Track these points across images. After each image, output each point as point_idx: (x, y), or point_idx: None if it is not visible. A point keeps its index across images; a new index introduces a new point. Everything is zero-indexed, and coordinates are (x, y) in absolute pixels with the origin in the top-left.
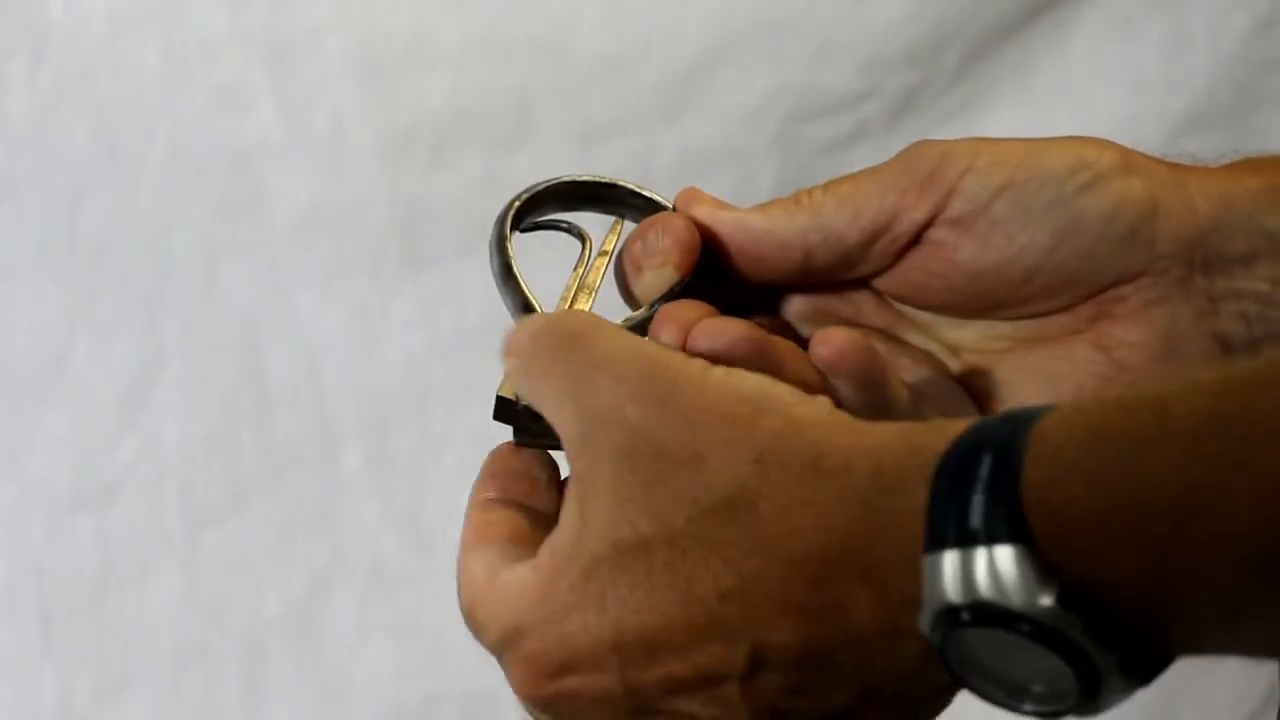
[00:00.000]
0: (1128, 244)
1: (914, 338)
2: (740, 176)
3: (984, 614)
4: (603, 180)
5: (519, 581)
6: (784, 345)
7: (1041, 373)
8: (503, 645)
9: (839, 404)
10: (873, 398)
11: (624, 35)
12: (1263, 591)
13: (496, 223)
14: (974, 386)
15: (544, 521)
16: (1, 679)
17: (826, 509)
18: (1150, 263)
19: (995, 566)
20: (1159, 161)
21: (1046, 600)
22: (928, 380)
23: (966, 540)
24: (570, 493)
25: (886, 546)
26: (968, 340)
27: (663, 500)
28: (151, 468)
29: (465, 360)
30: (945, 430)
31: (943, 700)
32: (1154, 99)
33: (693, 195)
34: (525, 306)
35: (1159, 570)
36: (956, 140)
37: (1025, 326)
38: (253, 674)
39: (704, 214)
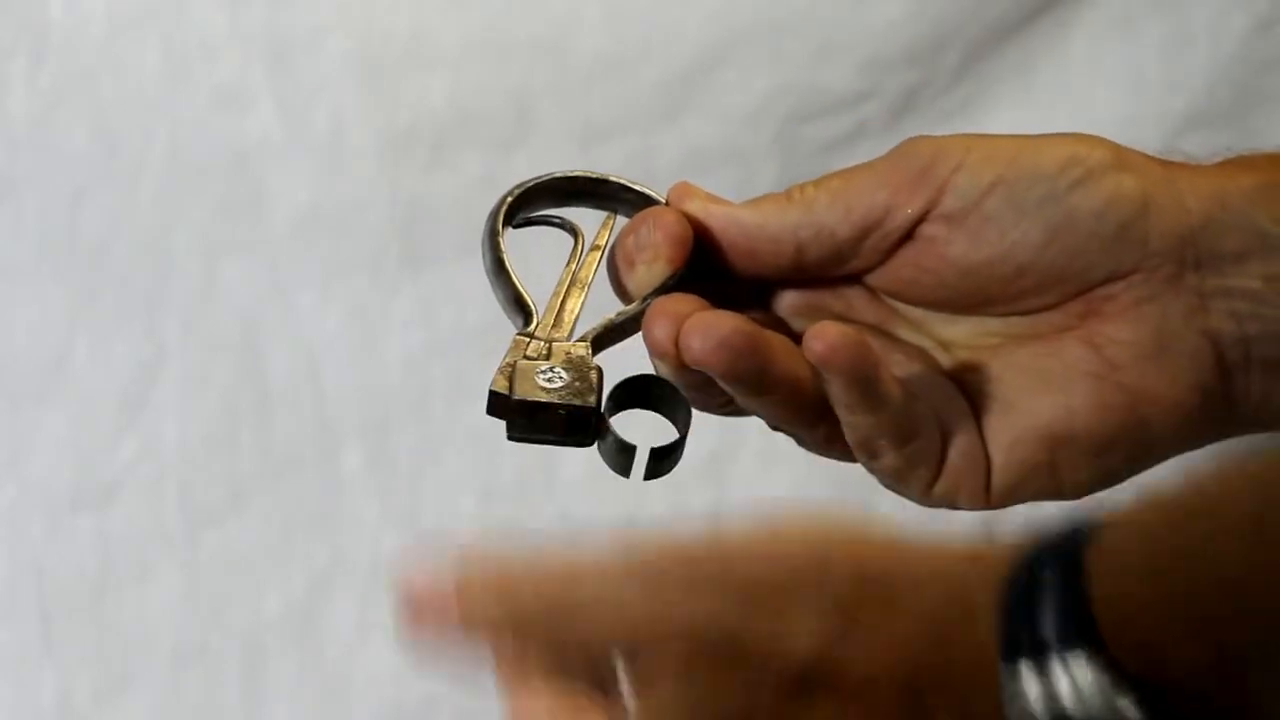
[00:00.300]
0: (1119, 241)
1: (906, 333)
2: (740, 176)
3: None
4: (594, 175)
5: None
6: (776, 339)
7: (1033, 370)
8: None
9: (831, 401)
10: (865, 393)
11: (624, 35)
12: None
13: (488, 218)
14: (966, 383)
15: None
16: (1, 679)
17: (906, 641)
18: (1142, 260)
19: (1073, 676)
20: (1151, 158)
21: (1126, 705)
22: (920, 376)
23: (1039, 650)
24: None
25: (962, 664)
26: (959, 336)
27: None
28: (151, 468)
29: (465, 360)
30: (1008, 546)
31: None
32: (1154, 99)
33: (685, 190)
34: (517, 301)
35: (1229, 663)
36: (949, 136)
37: (1016, 323)
38: (253, 674)
39: (696, 208)
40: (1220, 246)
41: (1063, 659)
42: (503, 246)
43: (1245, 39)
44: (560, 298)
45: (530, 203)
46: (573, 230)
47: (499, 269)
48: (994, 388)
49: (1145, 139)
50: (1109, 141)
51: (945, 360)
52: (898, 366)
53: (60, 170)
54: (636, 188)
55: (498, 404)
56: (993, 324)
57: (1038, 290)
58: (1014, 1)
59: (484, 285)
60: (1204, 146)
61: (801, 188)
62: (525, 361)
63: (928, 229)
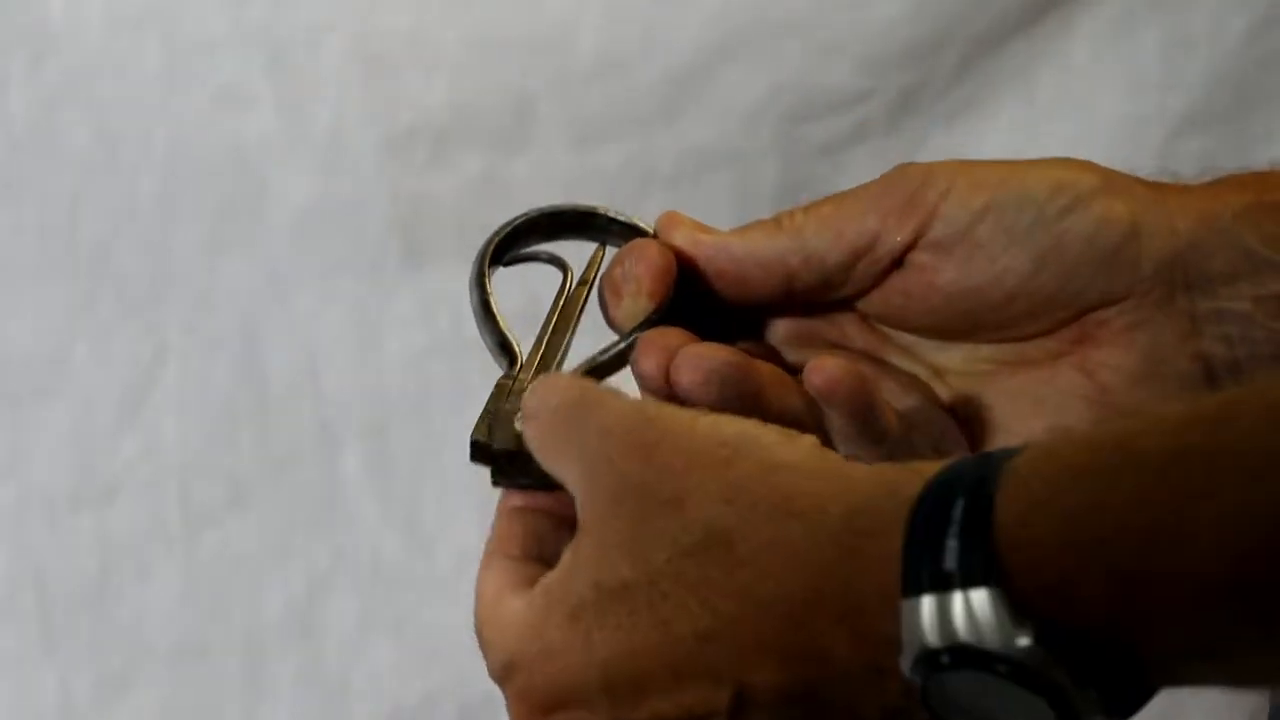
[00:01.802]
0: (1110, 265)
1: (899, 361)
2: (740, 176)
3: (963, 657)
4: (581, 209)
5: (516, 613)
6: (766, 370)
7: (1026, 396)
8: (500, 673)
9: (829, 433)
10: (864, 426)
11: (624, 35)
12: (1232, 621)
13: (475, 260)
14: (960, 411)
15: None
16: (1, 679)
17: (800, 551)
18: (1134, 284)
19: (971, 610)
20: (1138, 181)
21: (1024, 641)
22: (916, 407)
23: (942, 584)
24: (574, 539)
25: (863, 589)
26: (952, 363)
27: (644, 543)
28: (151, 468)
29: (465, 360)
30: (921, 472)
31: None
32: (1154, 99)
33: (672, 220)
34: (502, 345)
35: (1128, 603)
36: (937, 163)
37: (1009, 350)
38: (253, 674)
39: (683, 238)
40: (1209, 268)
41: (965, 593)
42: (489, 288)
43: (1245, 39)
44: (545, 337)
45: (518, 241)
46: (561, 265)
47: (485, 312)
48: (989, 415)
49: (1145, 139)
50: (1097, 165)
51: (939, 388)
52: (893, 397)
53: (60, 170)
54: (623, 219)
55: (479, 452)
56: (984, 350)
57: (1029, 316)
58: (1014, 1)
59: None
60: (1204, 146)
61: (790, 214)
62: (506, 407)
63: (918, 256)
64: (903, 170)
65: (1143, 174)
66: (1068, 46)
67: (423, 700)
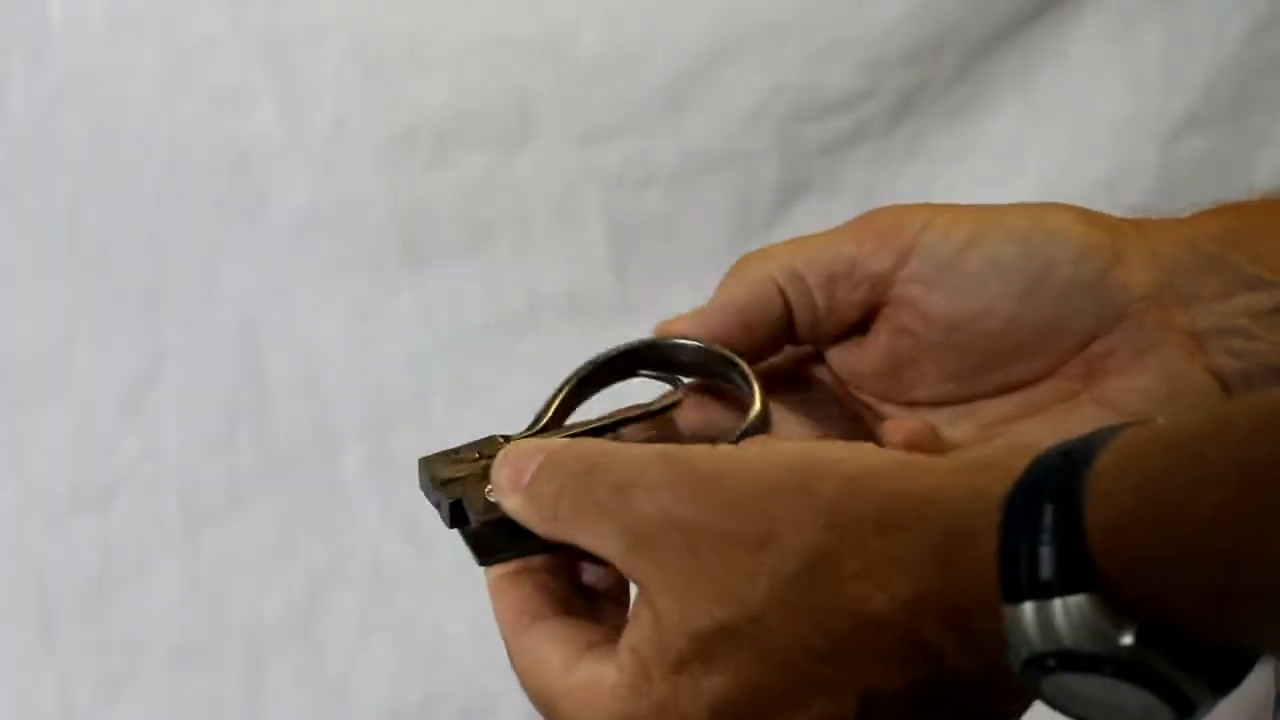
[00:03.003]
0: (1099, 289)
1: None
2: (740, 176)
3: (1069, 660)
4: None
5: (607, 677)
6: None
7: (1052, 435)
8: None
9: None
10: None
11: (624, 35)
12: None
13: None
14: None
15: (575, 588)
16: (1, 679)
17: (905, 561)
18: (1128, 305)
19: (1072, 615)
20: (1114, 217)
21: (1126, 640)
22: None
23: (1042, 592)
24: (638, 600)
25: (966, 592)
26: (965, 435)
27: (736, 583)
28: (151, 468)
29: (465, 360)
30: (1003, 469)
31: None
32: (1154, 99)
33: (667, 325)
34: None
35: (1220, 613)
36: (911, 204)
37: (1019, 402)
38: (253, 674)
39: (686, 324)
40: (1200, 288)
41: (1064, 600)
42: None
43: (1245, 39)
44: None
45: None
46: (675, 383)
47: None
48: None
49: (1145, 139)
50: (1072, 205)
51: None
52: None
53: (60, 170)
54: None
55: (461, 520)
56: (995, 409)
57: (1031, 351)
58: (1014, 1)
59: (485, 285)
60: (1204, 146)
61: (764, 248)
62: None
63: (906, 290)
64: (876, 210)
65: (1143, 174)
66: (1067, 46)
67: (423, 700)
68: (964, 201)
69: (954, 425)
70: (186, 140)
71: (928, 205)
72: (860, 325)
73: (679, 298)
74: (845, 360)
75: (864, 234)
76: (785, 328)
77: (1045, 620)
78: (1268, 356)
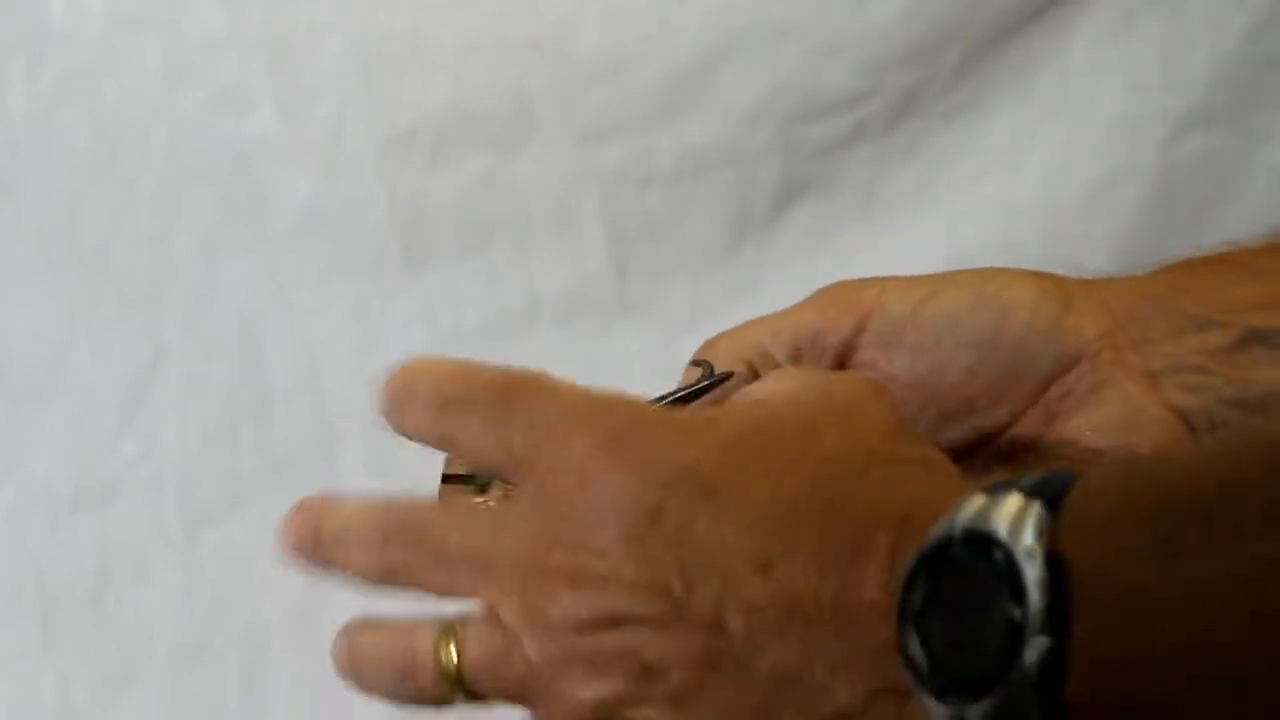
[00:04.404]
0: (1055, 332)
1: None
2: (740, 176)
3: (972, 538)
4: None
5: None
6: None
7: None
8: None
9: None
10: None
11: (624, 35)
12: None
13: None
14: None
15: None
16: (1, 679)
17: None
18: (1082, 346)
19: (1017, 510)
20: (1062, 275)
21: (1029, 541)
22: None
23: (1006, 489)
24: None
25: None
26: None
27: (591, 526)
28: (151, 468)
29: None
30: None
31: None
32: (1154, 99)
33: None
34: None
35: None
36: (865, 277)
37: (987, 453)
38: (253, 674)
39: None
40: (1151, 332)
41: (1024, 498)
42: None
43: (1245, 39)
44: None
45: None
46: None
47: None
48: None
49: (1145, 139)
50: (1019, 268)
51: None
52: None
53: (60, 170)
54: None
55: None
56: (963, 462)
57: (994, 397)
58: (1014, 1)
59: (485, 285)
60: (1204, 146)
61: (733, 328)
62: None
63: (866, 355)
64: (834, 283)
65: (1143, 174)
66: (1067, 46)
67: None
68: (964, 201)
69: None
70: (186, 140)
71: (881, 277)
72: None
73: (679, 298)
74: None
75: (825, 304)
76: None
77: (992, 506)
78: (1224, 389)
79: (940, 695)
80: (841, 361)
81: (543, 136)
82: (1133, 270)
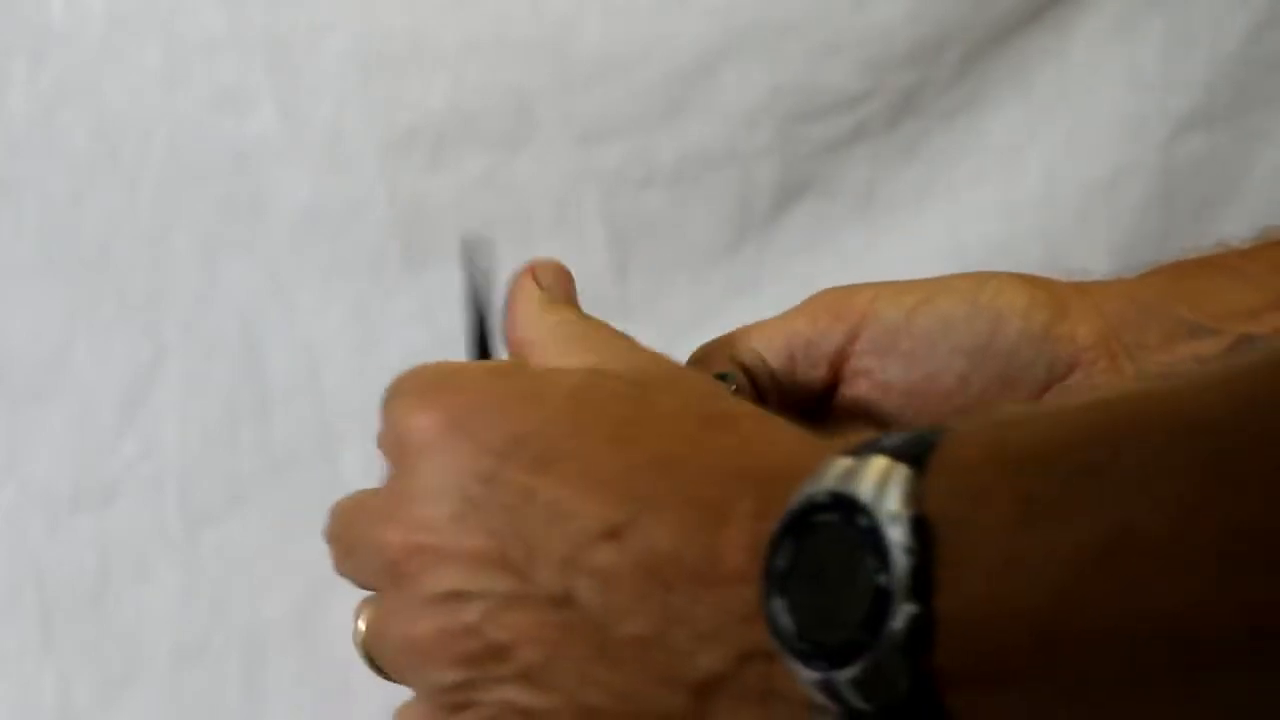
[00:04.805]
0: (1048, 340)
1: None
2: (740, 176)
3: (836, 502)
4: None
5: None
6: None
7: None
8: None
9: None
10: None
11: (624, 35)
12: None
13: None
14: None
15: None
16: (1, 679)
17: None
18: (1076, 354)
19: (882, 472)
20: (1056, 280)
21: (894, 506)
22: None
23: (871, 450)
24: None
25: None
26: None
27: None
28: (151, 468)
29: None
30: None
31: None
32: (1154, 99)
33: None
34: None
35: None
36: (857, 284)
37: None
38: (253, 674)
39: None
40: (1145, 338)
41: (892, 461)
42: None
43: (1245, 39)
44: None
45: None
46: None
47: None
48: None
49: (1145, 139)
50: (1014, 272)
51: None
52: None
53: (60, 170)
54: None
55: None
56: None
57: (986, 402)
58: (1014, 1)
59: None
60: (1204, 146)
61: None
62: None
63: (860, 363)
64: (826, 290)
65: (1143, 174)
66: (1067, 46)
67: None
68: (963, 201)
69: None
70: (186, 140)
71: (874, 283)
72: (823, 400)
73: (679, 298)
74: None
75: (818, 311)
76: None
77: (859, 469)
78: None
79: (807, 661)
80: (835, 369)
81: (543, 136)
82: (1133, 270)
